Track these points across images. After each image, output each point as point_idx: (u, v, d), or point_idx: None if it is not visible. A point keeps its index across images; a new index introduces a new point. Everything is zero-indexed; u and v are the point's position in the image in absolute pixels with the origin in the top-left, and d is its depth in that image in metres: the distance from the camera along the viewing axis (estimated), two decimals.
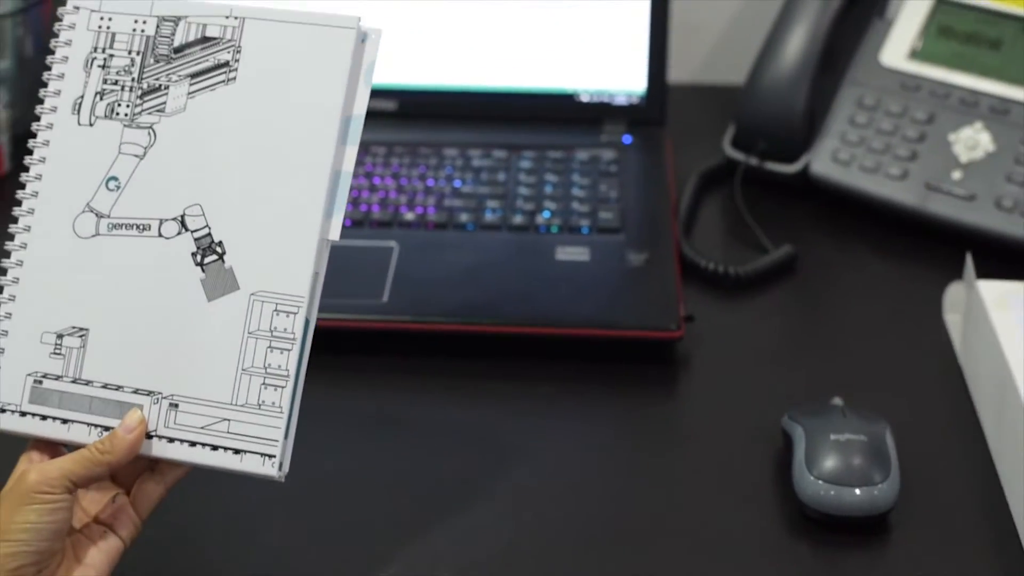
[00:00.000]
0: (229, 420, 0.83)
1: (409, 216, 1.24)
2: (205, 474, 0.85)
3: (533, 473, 1.02)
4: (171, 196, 0.86)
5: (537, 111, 1.37)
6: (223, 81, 0.87)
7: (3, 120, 1.37)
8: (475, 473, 1.02)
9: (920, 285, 1.22)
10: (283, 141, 0.86)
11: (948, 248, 1.23)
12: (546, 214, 1.24)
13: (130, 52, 0.89)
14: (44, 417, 0.85)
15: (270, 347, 0.83)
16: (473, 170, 1.29)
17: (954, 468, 1.03)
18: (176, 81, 0.88)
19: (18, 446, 0.86)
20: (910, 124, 1.32)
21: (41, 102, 0.90)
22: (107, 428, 0.84)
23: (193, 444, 0.84)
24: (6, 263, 0.87)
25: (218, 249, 0.85)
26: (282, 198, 0.85)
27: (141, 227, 0.86)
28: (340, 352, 1.11)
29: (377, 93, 1.35)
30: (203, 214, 0.86)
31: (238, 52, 0.88)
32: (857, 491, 0.96)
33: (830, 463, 0.97)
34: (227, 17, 0.88)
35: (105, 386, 0.85)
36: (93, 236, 0.87)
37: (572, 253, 1.19)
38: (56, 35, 0.91)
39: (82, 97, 0.89)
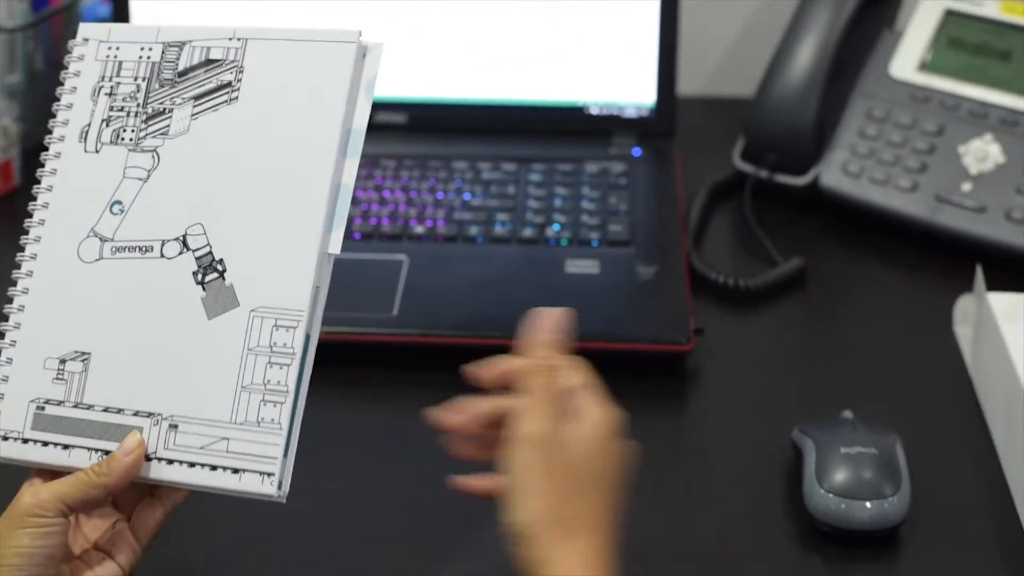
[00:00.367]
0: (228, 439, 0.82)
1: (419, 229, 1.24)
2: (207, 499, 0.84)
3: None
4: (173, 217, 0.86)
5: (546, 124, 1.37)
6: (225, 101, 0.88)
7: (14, 134, 1.37)
8: None
9: (930, 297, 1.22)
10: (284, 156, 0.86)
11: (958, 260, 1.23)
12: (556, 227, 1.24)
13: (136, 79, 0.90)
14: (46, 443, 0.84)
15: (270, 363, 0.83)
16: (483, 183, 1.29)
17: (965, 481, 1.03)
18: (180, 104, 0.89)
19: (21, 471, 0.85)
20: (920, 136, 1.32)
21: (50, 132, 0.90)
22: (108, 452, 0.83)
23: (192, 465, 0.83)
24: (12, 291, 0.87)
25: (219, 267, 0.85)
26: (283, 213, 0.85)
27: (144, 249, 0.86)
28: (349, 366, 1.11)
29: (387, 106, 1.37)
30: (204, 233, 0.85)
31: (240, 72, 0.88)
32: (868, 504, 0.96)
33: (840, 476, 0.97)
34: (230, 39, 0.89)
35: (106, 409, 0.84)
36: (97, 260, 0.87)
37: (582, 266, 1.19)
38: (66, 67, 0.92)
39: (89, 125, 0.90)
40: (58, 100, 0.91)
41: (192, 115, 0.88)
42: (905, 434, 1.01)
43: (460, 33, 1.36)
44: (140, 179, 0.88)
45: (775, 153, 1.34)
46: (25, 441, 0.84)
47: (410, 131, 1.37)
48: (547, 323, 0.85)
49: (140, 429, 0.83)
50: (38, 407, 0.85)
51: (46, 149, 0.90)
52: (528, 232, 1.23)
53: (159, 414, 0.83)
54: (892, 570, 0.96)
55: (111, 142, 0.89)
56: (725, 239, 1.33)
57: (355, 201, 1.26)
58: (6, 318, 0.87)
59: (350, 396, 1.10)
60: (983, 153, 1.29)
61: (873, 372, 1.15)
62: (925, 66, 1.35)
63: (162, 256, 0.86)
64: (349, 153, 0.86)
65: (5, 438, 0.85)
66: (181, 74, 0.89)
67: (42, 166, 0.90)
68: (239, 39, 0.89)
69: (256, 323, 0.83)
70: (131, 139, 0.89)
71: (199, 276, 0.85)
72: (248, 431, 0.82)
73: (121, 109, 0.90)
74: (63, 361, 0.85)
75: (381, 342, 1.13)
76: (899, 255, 1.29)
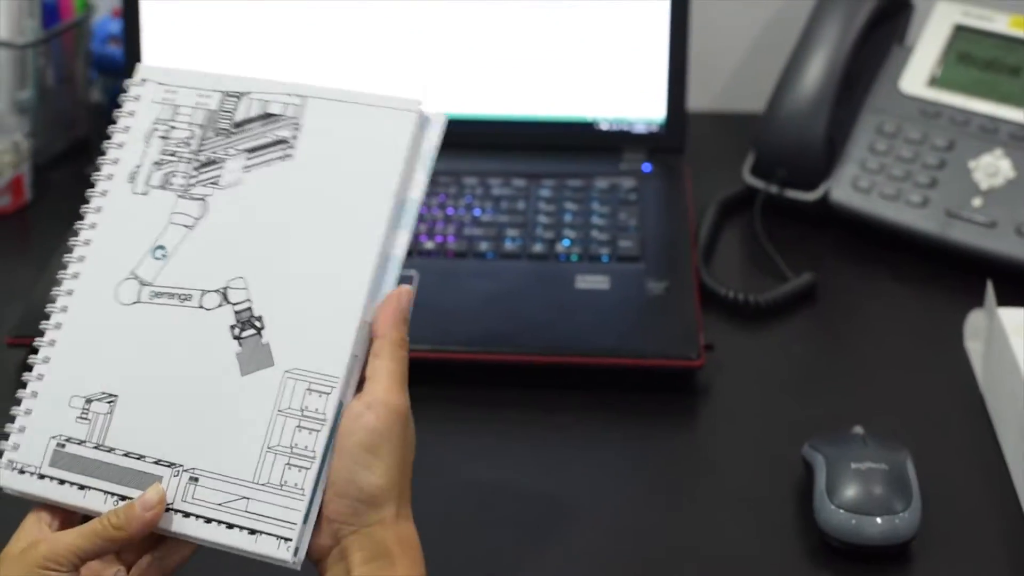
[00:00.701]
0: (248, 499, 0.80)
1: (429, 245, 1.24)
2: (215, 556, 0.82)
3: (552, 502, 1.02)
4: (216, 267, 0.85)
5: (557, 139, 1.37)
6: (280, 157, 0.87)
7: (25, 149, 1.37)
8: (493, 503, 1.02)
9: (941, 313, 1.22)
10: (334, 220, 0.85)
11: (969, 275, 1.23)
12: (566, 243, 1.24)
13: (191, 125, 0.89)
14: (62, 481, 0.83)
15: (299, 426, 0.81)
16: (493, 199, 1.30)
17: (976, 497, 1.03)
18: (233, 155, 0.88)
19: (24, 503, 0.84)
20: (930, 151, 1.31)
21: (99, 169, 0.90)
22: (124, 497, 0.82)
23: (209, 520, 0.81)
24: (44, 325, 0.87)
25: (257, 323, 0.84)
26: (327, 277, 0.83)
27: (183, 297, 0.85)
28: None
29: None
30: (246, 288, 0.84)
31: (297, 129, 0.87)
32: (878, 520, 0.96)
33: (851, 492, 0.97)
34: (290, 95, 0.88)
35: (127, 454, 0.83)
36: (134, 303, 0.86)
37: (592, 282, 1.19)
38: (120, 106, 0.91)
39: (139, 166, 0.89)
40: (109, 138, 0.90)
41: (245, 167, 0.87)
42: (916, 449, 1.01)
43: (470, 49, 1.36)
44: (186, 226, 0.87)
45: (785, 168, 1.34)
46: (41, 477, 0.83)
47: None
48: (405, 301, 0.83)
49: (160, 479, 0.81)
50: (59, 444, 0.84)
51: (92, 185, 0.89)
52: (538, 248, 1.23)
53: (180, 465, 0.82)
54: None
55: (160, 186, 0.88)
56: (735, 254, 1.33)
57: None
58: (35, 351, 0.86)
59: None
60: (993, 168, 1.29)
61: (884, 387, 1.15)
62: (935, 81, 1.35)
63: (201, 306, 0.85)
64: (402, 224, 0.85)
65: (22, 471, 0.84)
66: (237, 125, 0.88)
67: (87, 202, 0.89)
68: (299, 96, 0.88)
69: (289, 385, 0.82)
70: (181, 185, 0.88)
71: (236, 331, 0.84)
72: (270, 493, 0.80)
73: (173, 154, 0.89)
74: (89, 401, 0.84)
75: None
76: (910, 270, 1.29)
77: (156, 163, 0.89)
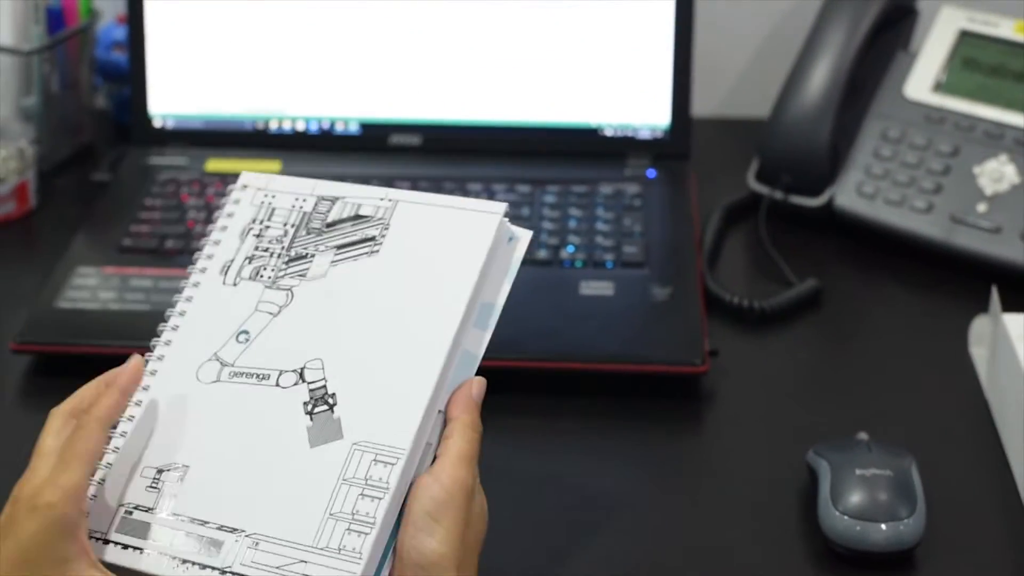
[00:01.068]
0: (306, 562, 0.81)
1: None
2: None
3: (556, 508, 1.02)
4: (295, 350, 0.88)
5: (561, 145, 1.37)
6: (367, 253, 0.90)
7: (30, 156, 1.38)
8: (498, 508, 1.02)
9: (945, 318, 1.22)
10: (413, 311, 0.87)
11: (973, 281, 1.23)
12: (570, 248, 1.24)
13: (285, 224, 0.93)
14: (126, 547, 0.84)
15: (361, 494, 0.82)
16: None
17: (981, 503, 1.03)
18: (323, 251, 0.91)
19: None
20: (935, 157, 1.31)
21: (194, 262, 0.93)
22: (184, 561, 0.83)
23: None
24: (130, 402, 0.89)
25: (330, 400, 0.86)
26: (401, 363, 0.86)
27: (261, 376, 0.88)
28: None
29: (401, 128, 1.38)
30: (323, 368, 0.87)
31: (386, 228, 0.91)
32: (883, 526, 0.96)
33: (855, 498, 0.97)
34: (381, 199, 0.92)
35: (192, 520, 0.84)
36: (214, 383, 0.88)
37: (596, 287, 1.19)
38: (221, 207, 0.95)
39: (232, 260, 0.93)
40: (207, 235, 0.94)
41: (332, 262, 0.91)
42: (920, 455, 1.01)
43: (475, 56, 1.36)
44: (271, 314, 0.90)
45: (790, 174, 1.34)
46: (107, 542, 0.84)
47: (425, 153, 1.37)
48: (478, 390, 0.88)
49: (222, 543, 0.83)
50: (127, 511, 0.85)
51: (187, 276, 0.93)
52: (543, 254, 1.23)
53: (242, 530, 0.83)
54: None
55: (250, 278, 0.92)
56: (740, 260, 1.33)
57: None
58: (115, 425, 0.87)
59: None
60: (998, 174, 1.29)
61: (888, 393, 1.15)
62: (940, 87, 1.35)
63: (277, 384, 0.87)
64: (482, 325, 0.88)
65: (88, 537, 0.84)
66: (329, 225, 0.92)
67: (179, 292, 0.92)
68: (390, 200, 0.92)
69: (356, 456, 0.83)
70: (270, 277, 0.92)
71: (309, 406, 0.86)
72: (327, 556, 0.81)
73: (266, 250, 0.93)
74: (160, 471, 0.86)
75: None
76: (914, 276, 1.29)
77: (248, 258, 0.93)
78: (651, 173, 1.35)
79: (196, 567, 0.82)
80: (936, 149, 1.32)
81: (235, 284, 0.92)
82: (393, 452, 0.83)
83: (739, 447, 1.09)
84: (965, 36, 1.36)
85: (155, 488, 0.85)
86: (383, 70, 1.37)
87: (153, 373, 0.89)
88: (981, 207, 1.28)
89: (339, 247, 0.91)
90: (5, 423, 1.11)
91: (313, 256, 0.92)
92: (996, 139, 1.30)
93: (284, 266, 0.92)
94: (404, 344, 0.86)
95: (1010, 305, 1.11)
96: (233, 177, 0.96)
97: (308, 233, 0.92)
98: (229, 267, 0.93)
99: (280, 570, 0.81)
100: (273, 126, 1.38)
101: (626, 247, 1.24)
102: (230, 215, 0.95)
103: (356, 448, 0.84)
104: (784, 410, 1.13)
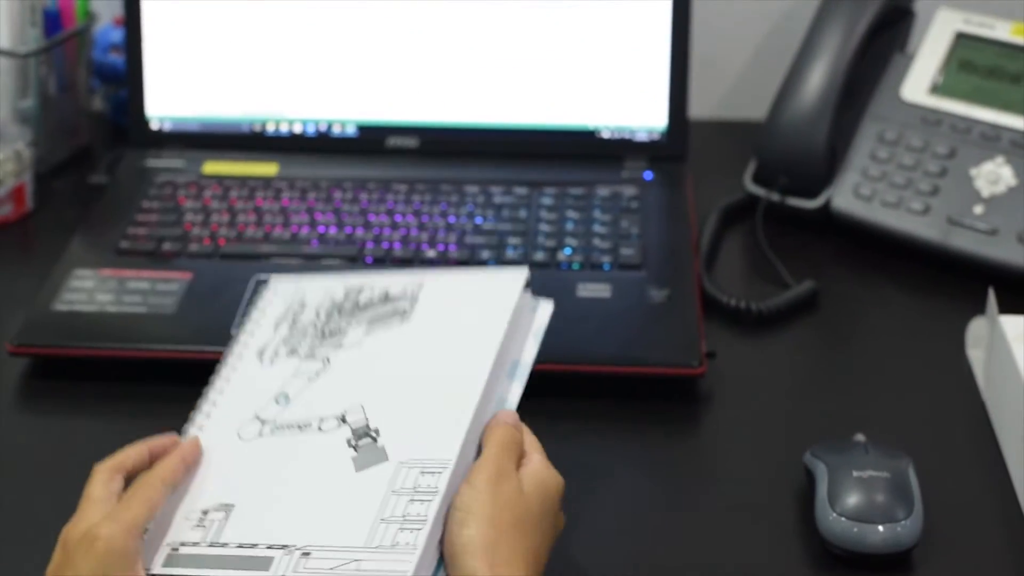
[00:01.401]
0: (360, 560, 0.81)
1: (431, 253, 1.24)
2: None
3: None
4: (335, 401, 0.91)
5: (558, 148, 1.37)
6: (398, 320, 0.95)
7: (27, 158, 1.37)
8: None
9: (942, 320, 1.22)
10: (446, 359, 0.91)
11: (970, 283, 1.23)
12: (567, 251, 1.24)
13: (317, 311, 0.98)
14: None
15: (411, 500, 0.83)
16: (494, 207, 1.30)
17: (978, 504, 1.03)
18: (355, 325, 0.96)
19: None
20: (931, 159, 1.32)
21: (228, 355, 0.98)
22: None
23: None
24: None
25: (373, 434, 0.88)
26: (439, 400, 0.89)
27: (302, 427, 0.91)
28: None
29: (398, 130, 1.38)
30: (363, 410, 0.90)
31: (415, 302, 0.96)
32: (880, 528, 0.96)
33: (853, 500, 0.97)
34: (408, 281, 0.98)
35: (239, 545, 0.85)
36: (256, 439, 0.91)
37: (593, 290, 1.19)
38: (255, 302, 1.04)
39: (268, 344, 0.98)
40: (243, 325, 1.00)
41: (365, 332, 0.95)
42: (918, 457, 1.01)
43: (472, 57, 1.36)
44: (309, 379, 0.94)
45: (787, 176, 1.34)
46: None
47: (422, 155, 1.37)
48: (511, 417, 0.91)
49: (271, 559, 0.83)
50: (172, 549, 0.86)
51: (224, 358, 0.98)
52: (540, 256, 1.23)
53: (292, 546, 0.83)
54: None
55: (286, 355, 0.96)
56: (737, 262, 1.33)
57: (367, 225, 1.26)
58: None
59: None
60: (995, 176, 1.29)
61: (885, 395, 1.15)
62: (937, 89, 1.35)
63: (319, 430, 0.90)
64: (511, 375, 0.93)
65: None
66: (360, 306, 0.97)
67: (217, 372, 0.96)
68: (417, 282, 0.98)
69: (403, 472, 0.85)
70: (306, 352, 0.96)
71: (353, 441, 0.88)
72: (381, 552, 0.81)
73: (302, 332, 0.97)
74: (206, 512, 0.87)
75: None
76: (911, 278, 1.29)
77: (284, 340, 0.97)
78: (648, 175, 1.35)
79: None
80: (933, 151, 1.32)
81: (272, 363, 0.96)
82: (440, 462, 0.84)
83: (736, 449, 1.09)
84: (961, 38, 1.36)
85: (201, 527, 0.86)
86: (380, 72, 1.37)
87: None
88: (978, 209, 1.28)
89: (371, 320, 0.95)
90: (3, 426, 1.10)
91: (347, 331, 0.96)
92: (992, 141, 1.31)
93: (319, 341, 0.95)
94: (441, 383, 0.89)
95: (1007, 307, 1.11)
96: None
97: (340, 314, 0.96)
98: (265, 350, 0.97)
99: (334, 572, 0.81)
100: (270, 128, 1.38)
101: (623, 249, 1.24)
102: (263, 310, 1.00)
103: (403, 465, 0.85)
104: (781, 412, 1.13)
